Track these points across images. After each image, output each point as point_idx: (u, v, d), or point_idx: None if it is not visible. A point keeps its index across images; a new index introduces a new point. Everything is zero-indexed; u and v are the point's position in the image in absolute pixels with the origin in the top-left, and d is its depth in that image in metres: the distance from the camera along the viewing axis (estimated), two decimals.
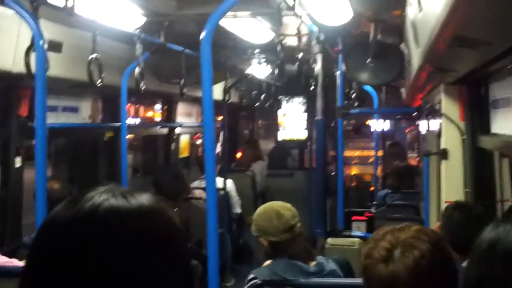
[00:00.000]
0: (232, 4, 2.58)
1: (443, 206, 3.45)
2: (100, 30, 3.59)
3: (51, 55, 3.67)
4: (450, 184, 3.78)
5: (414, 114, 5.87)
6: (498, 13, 1.69)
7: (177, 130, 7.52)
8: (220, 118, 8.02)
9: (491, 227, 1.05)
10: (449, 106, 3.76)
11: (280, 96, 9.58)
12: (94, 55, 3.52)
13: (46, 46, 2.92)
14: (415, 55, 3.29)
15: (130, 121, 7.28)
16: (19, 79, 3.65)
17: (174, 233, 1.00)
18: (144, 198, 0.98)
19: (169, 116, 7.46)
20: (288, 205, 3.25)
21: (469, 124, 3.65)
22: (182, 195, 5.85)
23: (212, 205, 2.69)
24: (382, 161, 8.68)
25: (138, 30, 4.02)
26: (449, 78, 3.48)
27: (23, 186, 4.37)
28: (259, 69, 7.43)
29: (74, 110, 5.23)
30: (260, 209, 3.30)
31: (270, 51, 5.66)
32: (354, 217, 4.95)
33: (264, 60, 7.02)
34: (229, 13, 3.91)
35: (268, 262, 3.23)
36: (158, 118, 7.85)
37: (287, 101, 10.27)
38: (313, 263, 3.13)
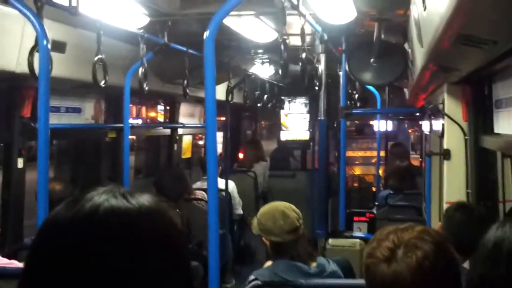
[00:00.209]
0: (236, 4, 2.58)
1: (445, 206, 3.44)
2: (103, 30, 3.59)
3: (55, 56, 3.68)
4: (452, 184, 3.77)
5: (417, 114, 5.87)
6: (503, 12, 1.68)
7: (180, 131, 7.53)
8: (223, 118, 8.02)
9: (497, 226, 1.04)
10: (452, 106, 3.75)
11: (283, 97, 9.58)
12: (98, 56, 3.52)
13: (49, 46, 2.92)
14: (419, 54, 3.28)
15: (133, 121, 7.28)
16: (23, 79, 3.66)
17: (175, 234, 0.99)
18: (144, 199, 0.98)
19: (171, 117, 7.46)
20: (293, 206, 3.25)
21: (472, 124, 3.64)
22: (183, 196, 5.84)
23: (214, 206, 2.69)
24: (385, 161, 8.67)
25: (141, 30, 4.02)
26: (452, 77, 3.47)
27: (25, 187, 4.37)
28: (263, 69, 7.43)
29: (77, 110, 5.23)
30: (264, 208, 3.28)
31: (274, 51, 5.65)
32: (355, 218, 4.94)
33: (268, 60, 7.02)
34: (233, 13, 3.90)
35: (268, 263, 3.22)
36: (160, 118, 7.85)
37: (290, 102, 10.27)
38: (314, 264, 3.12)
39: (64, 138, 5.52)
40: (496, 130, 3.23)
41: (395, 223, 1.89)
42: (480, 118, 3.57)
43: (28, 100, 4.34)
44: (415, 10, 2.87)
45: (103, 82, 3.62)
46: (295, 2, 2.94)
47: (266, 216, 3.19)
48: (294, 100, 10.35)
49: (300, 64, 3.26)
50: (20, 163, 4.30)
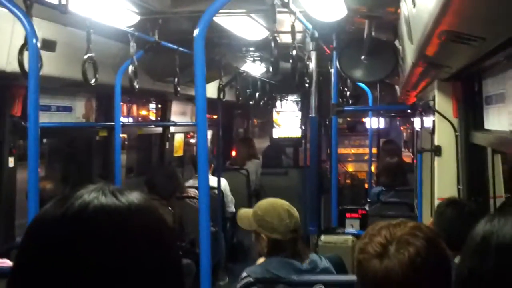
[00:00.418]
0: (225, 2, 2.58)
1: (437, 203, 3.46)
2: (93, 28, 3.57)
3: (45, 54, 3.67)
4: (443, 180, 3.79)
5: (408, 111, 5.89)
6: (491, 9, 1.69)
7: (172, 129, 7.51)
8: (215, 116, 8.02)
9: (485, 220, 1.04)
10: (442, 103, 3.77)
11: (275, 94, 9.58)
12: (88, 54, 3.51)
13: (39, 45, 2.91)
14: (409, 51, 3.29)
15: (124, 120, 7.26)
16: (13, 78, 3.64)
17: (165, 232, 0.99)
18: (134, 197, 0.97)
19: (163, 115, 7.45)
20: (290, 204, 3.24)
21: (462, 120, 3.66)
22: (175, 194, 5.84)
23: (205, 203, 2.69)
24: (377, 158, 8.70)
25: (132, 28, 4.01)
26: (442, 74, 3.48)
27: (16, 186, 4.35)
28: (254, 67, 7.43)
29: (68, 109, 5.22)
30: (266, 205, 3.21)
31: (265, 48, 5.66)
32: (348, 215, 4.95)
33: (259, 58, 7.01)
34: (223, 11, 3.90)
35: (261, 260, 3.22)
36: (152, 117, 7.84)
37: (282, 99, 10.28)
38: (307, 260, 3.12)
39: (55, 136, 5.51)
40: (486, 126, 3.25)
41: (387, 219, 1.90)
42: (470, 115, 3.59)
43: (18, 99, 4.32)
44: (405, 7, 2.88)
45: (93, 80, 3.61)
46: (285, 0, 2.94)
47: (270, 213, 3.14)
48: (286, 98, 10.36)
49: (291, 61, 3.26)
50: (11, 162, 4.28)
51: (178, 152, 7.96)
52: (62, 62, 4.05)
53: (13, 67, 3.18)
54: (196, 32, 2.60)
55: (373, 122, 8.78)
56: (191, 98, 6.70)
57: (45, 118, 4.65)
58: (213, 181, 6.65)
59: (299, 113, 10.35)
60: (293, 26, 3.26)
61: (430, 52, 2.60)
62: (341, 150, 11.61)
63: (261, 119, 16.40)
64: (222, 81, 6.24)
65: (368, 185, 8.00)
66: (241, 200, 7.65)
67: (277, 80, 8.32)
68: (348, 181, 10.20)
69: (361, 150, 11.54)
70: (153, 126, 7.57)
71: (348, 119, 11.47)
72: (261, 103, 7.89)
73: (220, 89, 6.23)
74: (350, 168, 11.47)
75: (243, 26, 4.46)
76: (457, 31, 2.00)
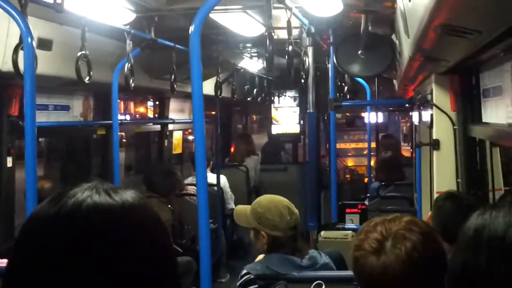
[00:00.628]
0: None
1: (436, 196, 3.46)
2: (89, 26, 3.56)
3: (41, 53, 3.66)
4: (442, 174, 3.78)
5: (406, 105, 5.88)
6: (486, 2, 1.68)
7: (170, 127, 7.51)
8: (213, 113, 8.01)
9: (477, 214, 1.04)
10: (440, 96, 3.76)
11: (273, 90, 9.57)
12: (82, 52, 3.50)
13: (34, 44, 2.90)
14: (406, 45, 3.28)
15: (122, 118, 7.25)
16: (9, 78, 3.63)
17: (159, 230, 0.99)
18: (128, 195, 0.97)
19: (161, 113, 7.44)
20: (288, 201, 3.23)
21: (460, 114, 3.65)
22: (174, 192, 5.84)
23: (203, 200, 2.68)
24: (376, 153, 8.71)
25: (128, 26, 4.00)
26: (440, 68, 3.48)
27: (15, 186, 4.35)
28: (251, 63, 7.42)
29: (66, 108, 5.20)
30: (265, 202, 3.19)
31: (262, 45, 5.62)
32: (347, 210, 4.95)
33: (256, 54, 7.01)
34: (220, 7, 3.90)
35: (260, 257, 3.21)
36: (150, 114, 7.83)
37: (280, 95, 10.27)
38: (306, 257, 3.12)
39: (52, 136, 5.50)
40: (484, 119, 3.24)
41: (387, 214, 1.89)
42: (468, 108, 3.58)
43: (15, 99, 4.32)
44: (401, 2, 2.87)
45: (87, 78, 3.60)
46: None
47: (271, 211, 3.12)
48: (284, 94, 10.35)
49: (287, 57, 3.25)
50: (9, 162, 4.28)
51: (177, 149, 7.95)
52: (59, 61, 4.04)
53: (9, 66, 3.17)
54: (191, 29, 2.60)
55: (372, 117, 8.78)
56: (188, 95, 6.70)
57: (42, 117, 4.64)
58: (212, 178, 6.65)
59: (298, 109, 10.34)
60: (289, 22, 3.25)
61: (426, 45, 2.59)
62: (341, 145, 11.64)
63: (259, 115, 16.39)
64: (220, 78, 6.23)
65: (368, 180, 8.00)
66: (240, 196, 7.65)
67: (275, 76, 8.31)
68: (347, 176, 10.21)
69: (360, 145, 11.57)
70: (151, 123, 7.55)
71: (348, 114, 11.47)
72: (259, 99, 7.88)
73: (218, 86, 6.22)
74: (350, 162, 11.49)
75: (240, 22, 4.45)
76: (453, 25, 1.99)
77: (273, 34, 2.93)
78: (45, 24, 3.81)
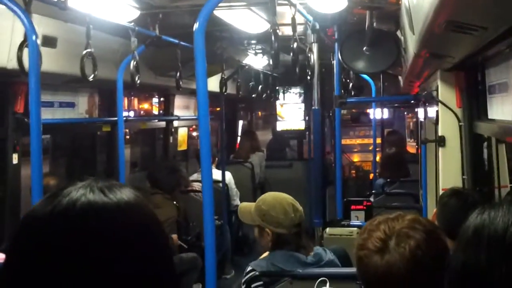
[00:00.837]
0: None
1: (441, 193, 3.45)
2: (94, 24, 3.57)
3: (46, 51, 3.67)
4: (448, 171, 3.77)
5: (411, 102, 5.87)
6: None
7: (175, 123, 7.51)
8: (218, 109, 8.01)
9: (476, 213, 1.03)
10: (445, 92, 3.75)
11: (278, 87, 9.56)
12: (87, 50, 3.50)
13: (39, 41, 2.91)
14: (411, 41, 3.27)
15: (127, 115, 7.26)
16: (15, 75, 3.64)
17: (154, 228, 0.99)
18: (124, 193, 0.97)
19: (166, 109, 7.45)
20: (293, 198, 3.23)
21: (466, 110, 3.64)
22: (179, 188, 5.85)
23: (208, 197, 2.69)
24: (381, 148, 8.69)
25: (132, 23, 4.00)
26: (445, 64, 3.46)
27: (21, 182, 4.36)
28: (256, 60, 7.41)
29: (71, 105, 5.22)
30: (270, 199, 3.19)
31: (267, 41, 5.64)
32: (353, 207, 4.94)
33: (261, 50, 7.00)
34: (224, 4, 3.89)
35: (266, 254, 3.21)
36: (155, 111, 7.83)
37: (285, 92, 10.25)
38: (311, 253, 3.12)
39: (57, 132, 5.51)
40: (490, 116, 3.22)
41: (392, 210, 1.89)
42: (474, 104, 3.57)
43: (21, 96, 4.33)
44: None
45: (92, 76, 3.60)
46: None
47: (276, 208, 3.12)
48: (289, 90, 10.33)
49: (292, 54, 3.25)
50: (15, 158, 4.29)
51: (182, 146, 7.96)
52: (63, 58, 4.04)
53: (14, 64, 3.18)
54: (196, 26, 2.60)
55: (377, 113, 8.76)
56: (193, 92, 6.69)
57: (48, 114, 4.65)
58: (217, 174, 6.66)
59: (303, 105, 10.33)
60: (293, 19, 3.25)
61: (431, 42, 2.58)
62: (346, 141, 11.62)
63: (264, 112, 16.38)
64: (225, 75, 6.22)
65: (373, 176, 7.99)
66: (246, 193, 7.66)
67: (280, 73, 8.30)
68: (352, 173, 10.19)
69: (366, 141, 11.54)
70: (156, 120, 7.56)
71: (354, 110, 11.43)
72: (264, 96, 7.87)
73: (222, 83, 6.21)
74: (356, 158, 11.47)
75: (244, 19, 4.45)
76: (458, 21, 1.98)
77: (278, 31, 2.92)
78: (49, 22, 3.82)
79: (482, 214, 1.01)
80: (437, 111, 3.90)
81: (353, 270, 3.07)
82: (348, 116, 11.30)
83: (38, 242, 0.91)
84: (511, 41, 2.23)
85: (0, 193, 4.25)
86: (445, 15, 1.93)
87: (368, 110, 11.00)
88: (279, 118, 10.42)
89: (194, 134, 9.07)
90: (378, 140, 8.68)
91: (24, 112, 4.29)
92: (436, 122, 3.96)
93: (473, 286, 0.97)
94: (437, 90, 3.84)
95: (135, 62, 4.05)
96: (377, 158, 8.16)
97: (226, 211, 6.86)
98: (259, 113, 16.65)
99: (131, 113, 7.29)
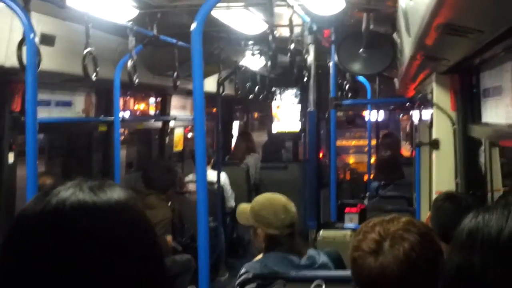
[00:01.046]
0: None
1: (434, 196, 3.46)
2: (92, 22, 3.57)
3: (44, 49, 3.66)
4: (441, 174, 3.78)
5: (406, 104, 5.88)
6: (487, 1, 1.69)
7: (172, 124, 7.51)
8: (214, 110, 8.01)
9: (471, 216, 1.04)
10: (440, 95, 3.76)
11: (274, 88, 9.57)
12: (88, 49, 3.50)
13: (37, 40, 2.91)
14: (407, 44, 3.29)
15: (125, 114, 7.24)
16: (12, 73, 3.64)
17: (144, 227, 0.99)
18: (113, 192, 0.98)
19: (163, 110, 7.44)
20: (287, 198, 3.24)
21: (460, 113, 3.65)
22: (173, 188, 5.84)
23: (203, 198, 2.69)
24: (376, 150, 8.71)
25: (130, 23, 4.00)
26: (440, 67, 3.48)
27: (16, 182, 4.35)
28: (253, 61, 7.42)
29: (68, 104, 5.21)
30: (262, 200, 3.23)
31: (264, 42, 5.64)
32: (347, 209, 4.95)
33: (258, 51, 7.00)
34: (222, 4, 3.90)
35: (260, 255, 3.22)
36: (152, 111, 7.82)
37: (281, 93, 10.26)
38: (305, 256, 3.13)
39: (54, 132, 5.50)
40: (484, 119, 3.24)
41: (386, 213, 1.90)
42: (468, 107, 3.58)
43: (18, 94, 4.32)
44: (403, 0, 2.87)
45: (94, 75, 3.61)
46: None
47: (266, 208, 3.15)
48: (285, 91, 10.34)
49: (289, 55, 3.26)
50: (10, 158, 4.28)
51: (178, 146, 7.95)
52: (61, 56, 4.04)
53: (12, 62, 3.18)
54: (193, 26, 2.61)
55: (373, 115, 8.77)
56: (190, 92, 6.69)
57: (45, 113, 4.65)
58: (212, 175, 6.66)
59: (299, 107, 10.33)
60: (291, 20, 3.26)
61: (427, 44, 2.60)
62: (343, 142, 11.66)
63: (260, 113, 16.37)
64: (221, 75, 6.23)
65: (368, 179, 8.01)
66: (241, 194, 7.66)
67: (277, 74, 8.31)
68: (347, 175, 10.21)
69: (361, 142, 11.57)
70: (152, 120, 7.56)
71: (350, 112, 11.46)
72: (261, 97, 7.88)
73: (219, 83, 6.22)
74: (351, 159, 11.50)
75: (242, 20, 4.45)
76: (454, 24, 2.00)
77: (275, 32, 2.94)
78: (48, 20, 3.82)
79: (476, 217, 1.02)
80: (432, 114, 3.91)
81: (346, 272, 3.08)
82: (343, 118, 11.33)
83: (28, 241, 0.92)
84: (506, 45, 2.25)
85: None
86: (441, 18, 1.95)
87: (363, 113, 11.03)
88: (275, 119, 10.42)
89: (190, 135, 9.06)
90: (373, 142, 8.70)
91: (20, 111, 4.28)
92: (431, 125, 3.98)
93: None
94: (432, 93, 3.85)
95: (132, 62, 4.05)
96: (372, 160, 8.17)
97: (221, 212, 6.86)
98: (255, 114, 16.64)
99: (127, 113, 7.27)
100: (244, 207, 3.32)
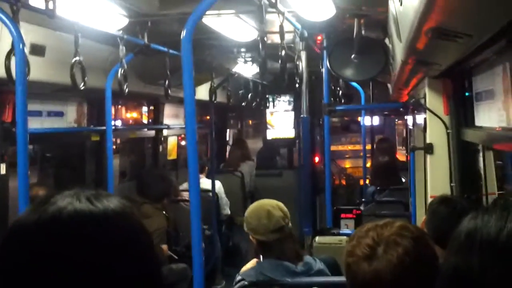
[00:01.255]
0: (211, 3, 2.57)
1: (430, 200, 3.46)
2: (82, 32, 3.56)
3: (35, 59, 3.65)
4: (436, 178, 3.78)
5: (400, 109, 5.88)
6: (476, 5, 1.69)
7: (165, 132, 7.49)
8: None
9: (469, 218, 1.04)
10: (433, 100, 3.76)
11: (268, 95, 9.57)
12: (76, 58, 3.49)
13: (26, 50, 2.89)
14: (398, 49, 3.29)
15: (117, 123, 7.22)
16: (2, 84, 3.62)
17: (141, 236, 0.99)
18: (111, 202, 0.97)
19: (156, 118, 7.42)
20: (281, 204, 3.22)
21: (453, 117, 3.66)
22: (168, 197, 5.82)
23: (196, 206, 2.67)
24: (371, 155, 8.71)
25: (121, 31, 3.99)
26: (432, 71, 3.48)
27: (9, 193, 4.32)
28: (246, 68, 7.42)
29: (59, 114, 5.19)
30: (252, 206, 3.27)
31: (256, 49, 5.62)
32: (342, 215, 4.94)
33: (250, 58, 7.00)
34: (212, 12, 3.90)
35: (253, 261, 3.21)
36: (145, 120, 7.80)
37: (275, 100, 10.26)
38: (301, 263, 3.12)
39: (46, 142, 5.48)
40: (477, 123, 3.24)
41: (382, 219, 1.89)
42: (461, 111, 3.59)
43: (9, 105, 4.30)
44: (393, 5, 2.87)
45: (82, 84, 3.59)
46: (273, 0, 2.93)
47: (251, 214, 3.18)
48: (278, 98, 10.34)
49: (280, 61, 3.26)
50: (2, 168, 4.26)
51: (172, 155, 7.93)
52: (52, 66, 4.02)
53: (1, 73, 3.16)
54: (183, 33, 2.59)
55: (367, 120, 8.78)
56: (183, 100, 6.67)
57: (36, 124, 4.63)
58: (207, 183, 6.64)
59: (292, 113, 10.34)
60: (281, 26, 3.25)
61: (418, 49, 2.60)
62: (338, 147, 11.68)
63: (254, 120, 16.38)
64: (214, 83, 6.22)
65: (363, 184, 8.00)
66: (236, 202, 7.64)
67: (269, 81, 8.31)
68: (343, 181, 10.21)
69: (357, 147, 11.61)
70: (145, 129, 7.54)
71: (346, 118, 11.47)
72: (254, 104, 7.88)
73: (212, 91, 6.21)
74: (347, 164, 11.51)
75: (233, 27, 4.45)
76: (443, 28, 2.00)
77: (265, 38, 2.93)
78: (38, 30, 3.80)
79: (475, 218, 1.01)
80: (425, 119, 3.91)
81: (342, 279, 3.06)
82: (339, 124, 11.35)
83: (24, 251, 0.91)
84: (496, 49, 2.25)
85: None
86: (430, 22, 1.95)
87: (359, 118, 11.04)
88: (269, 126, 10.42)
89: (184, 143, 9.05)
90: (368, 147, 8.71)
91: (12, 121, 4.26)
92: (424, 129, 3.98)
93: None
94: (425, 97, 3.85)
95: (123, 71, 4.04)
96: (367, 165, 8.17)
97: (216, 220, 6.84)
98: (249, 121, 16.66)
99: (120, 122, 7.26)
100: None
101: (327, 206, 5.51)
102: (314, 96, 6.71)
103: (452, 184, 3.64)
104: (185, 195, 6.58)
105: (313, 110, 5.19)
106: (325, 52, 5.03)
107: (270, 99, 9.97)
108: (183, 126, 7.81)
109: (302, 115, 4.89)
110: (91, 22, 3.68)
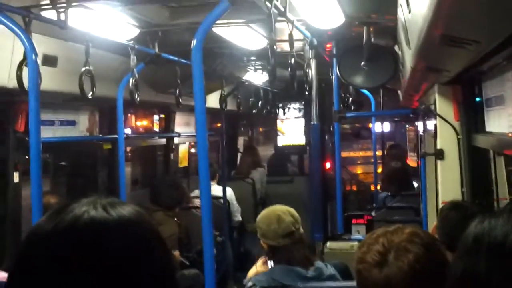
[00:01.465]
0: (221, 13, 2.59)
1: (441, 206, 3.45)
2: (94, 42, 3.60)
3: (47, 69, 3.69)
4: (447, 184, 3.78)
5: (410, 115, 5.88)
6: (484, 12, 1.69)
7: (176, 140, 7.52)
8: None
9: (477, 222, 1.05)
10: (443, 106, 3.77)
11: (278, 103, 9.58)
12: (85, 68, 3.53)
13: (39, 60, 2.94)
14: (408, 56, 3.30)
15: (128, 132, 7.26)
16: (15, 94, 3.66)
17: (155, 244, 1.00)
18: (125, 210, 0.99)
19: (167, 126, 7.45)
20: (292, 210, 3.25)
21: (463, 123, 3.66)
22: (180, 205, 5.84)
23: (207, 213, 2.69)
24: (382, 161, 8.69)
25: (132, 41, 4.03)
26: (442, 78, 3.49)
27: (22, 201, 4.36)
28: (256, 76, 7.44)
29: (72, 123, 5.24)
30: (263, 212, 3.31)
31: (266, 57, 5.65)
32: (354, 221, 4.94)
33: (260, 67, 7.03)
34: (222, 21, 3.92)
35: (259, 261, 3.24)
36: (156, 128, 7.84)
37: (285, 107, 10.27)
38: (312, 268, 3.13)
39: (59, 151, 5.52)
40: (487, 129, 3.24)
41: (393, 224, 1.89)
42: (471, 117, 3.59)
43: (22, 115, 4.35)
44: (401, 13, 2.88)
45: (90, 93, 3.63)
46: (282, 9, 2.96)
47: (262, 219, 3.22)
48: (289, 106, 10.35)
49: (289, 69, 3.28)
50: (15, 177, 4.30)
51: (183, 162, 7.96)
52: (64, 77, 4.07)
53: (15, 83, 3.21)
54: (193, 43, 2.62)
55: (377, 127, 8.76)
56: (194, 109, 6.70)
57: (49, 133, 4.67)
58: (218, 190, 6.66)
59: (303, 121, 10.34)
60: (290, 35, 3.27)
61: (427, 56, 2.61)
62: (350, 153, 11.67)
63: (265, 128, 16.40)
64: (224, 91, 6.24)
65: (375, 190, 7.98)
66: (247, 209, 7.65)
67: (280, 88, 8.33)
68: (354, 187, 10.18)
69: (369, 153, 11.59)
70: (156, 137, 7.57)
71: (357, 125, 11.46)
72: (264, 111, 7.89)
73: (222, 99, 6.23)
74: (359, 170, 11.49)
75: (243, 36, 4.48)
76: (452, 35, 2.01)
77: (275, 47, 2.95)
78: (50, 41, 3.84)
79: (482, 222, 1.02)
80: (435, 125, 3.91)
81: (353, 284, 3.07)
82: (349, 131, 11.33)
83: (41, 259, 0.92)
84: (505, 55, 2.25)
85: (1, 211, 4.25)
86: (439, 30, 1.96)
87: (369, 125, 11.03)
88: (279, 133, 10.42)
89: (194, 150, 9.09)
90: (379, 153, 8.69)
91: (25, 131, 4.30)
92: (435, 135, 3.98)
93: None
94: (435, 103, 3.86)
95: (134, 80, 4.08)
96: (379, 171, 8.16)
97: (228, 227, 6.85)
98: (260, 128, 16.68)
99: (131, 131, 7.28)
100: None
101: (338, 212, 5.51)
102: (324, 103, 6.72)
103: (463, 190, 3.64)
104: (197, 202, 6.60)
105: (323, 117, 5.20)
106: (334, 59, 5.04)
107: (281, 107, 9.98)
108: (194, 134, 7.83)
109: (312, 122, 4.90)
110: (103, 33, 3.72)
